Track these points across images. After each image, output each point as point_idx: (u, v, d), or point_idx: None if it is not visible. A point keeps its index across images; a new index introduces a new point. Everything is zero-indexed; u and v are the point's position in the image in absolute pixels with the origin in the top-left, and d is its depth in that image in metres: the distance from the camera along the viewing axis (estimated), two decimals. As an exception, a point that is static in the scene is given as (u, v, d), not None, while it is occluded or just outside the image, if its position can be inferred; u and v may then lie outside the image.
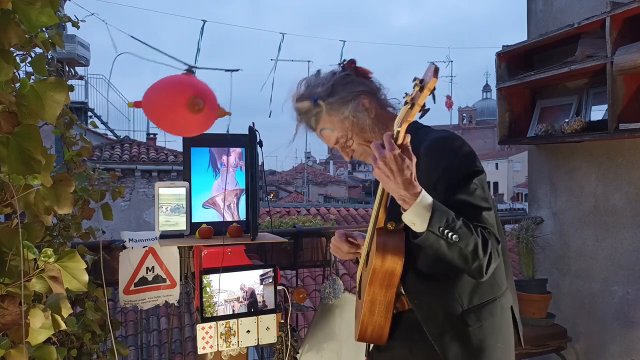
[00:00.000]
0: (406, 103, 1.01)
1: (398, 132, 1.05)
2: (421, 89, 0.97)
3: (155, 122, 0.83)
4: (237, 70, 0.85)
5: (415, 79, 0.99)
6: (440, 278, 1.23)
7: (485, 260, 1.10)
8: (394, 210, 1.19)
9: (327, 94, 1.32)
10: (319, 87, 1.33)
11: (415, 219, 1.08)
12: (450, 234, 1.07)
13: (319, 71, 1.39)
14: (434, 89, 0.96)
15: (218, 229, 1.86)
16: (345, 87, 1.33)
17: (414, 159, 1.08)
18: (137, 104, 0.79)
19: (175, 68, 0.81)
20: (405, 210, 1.09)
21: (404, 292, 1.28)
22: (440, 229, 1.06)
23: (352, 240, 1.47)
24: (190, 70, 0.80)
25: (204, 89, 0.81)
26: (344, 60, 1.37)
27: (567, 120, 2.52)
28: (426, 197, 1.08)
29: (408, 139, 1.07)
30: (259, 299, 1.83)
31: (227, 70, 0.86)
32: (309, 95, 1.34)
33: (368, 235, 1.32)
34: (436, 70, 0.96)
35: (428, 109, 1.00)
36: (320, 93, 1.32)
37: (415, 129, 1.31)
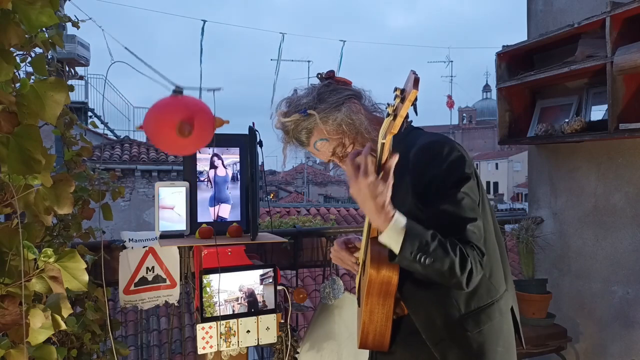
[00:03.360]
0: (388, 115, 0.99)
1: (383, 144, 1.03)
2: (402, 100, 0.95)
3: (155, 145, 0.84)
4: (218, 89, 0.85)
5: (396, 89, 0.97)
6: (436, 284, 1.20)
7: (464, 277, 1.09)
8: None
9: (315, 102, 1.29)
10: (304, 99, 1.30)
11: (389, 242, 1.08)
12: (423, 257, 1.06)
13: (295, 90, 1.35)
14: (416, 99, 0.94)
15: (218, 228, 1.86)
16: (332, 94, 1.30)
17: (391, 181, 1.05)
18: (141, 128, 0.81)
19: (167, 73, 0.82)
20: (380, 233, 1.10)
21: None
22: (412, 253, 1.06)
23: (351, 246, 1.44)
24: (177, 91, 0.80)
25: (193, 107, 0.80)
26: (323, 73, 1.35)
27: (567, 120, 2.52)
28: (399, 221, 1.07)
29: (394, 159, 1.05)
30: (259, 299, 1.83)
31: (209, 90, 0.86)
32: (295, 109, 1.31)
33: (363, 244, 1.31)
34: (416, 80, 0.93)
35: (411, 121, 0.99)
36: (309, 103, 1.29)
37: (406, 131, 1.30)
